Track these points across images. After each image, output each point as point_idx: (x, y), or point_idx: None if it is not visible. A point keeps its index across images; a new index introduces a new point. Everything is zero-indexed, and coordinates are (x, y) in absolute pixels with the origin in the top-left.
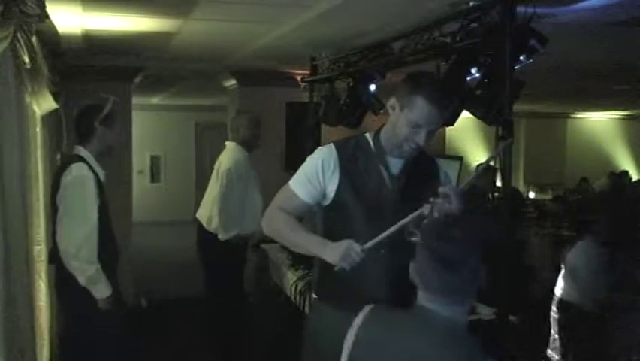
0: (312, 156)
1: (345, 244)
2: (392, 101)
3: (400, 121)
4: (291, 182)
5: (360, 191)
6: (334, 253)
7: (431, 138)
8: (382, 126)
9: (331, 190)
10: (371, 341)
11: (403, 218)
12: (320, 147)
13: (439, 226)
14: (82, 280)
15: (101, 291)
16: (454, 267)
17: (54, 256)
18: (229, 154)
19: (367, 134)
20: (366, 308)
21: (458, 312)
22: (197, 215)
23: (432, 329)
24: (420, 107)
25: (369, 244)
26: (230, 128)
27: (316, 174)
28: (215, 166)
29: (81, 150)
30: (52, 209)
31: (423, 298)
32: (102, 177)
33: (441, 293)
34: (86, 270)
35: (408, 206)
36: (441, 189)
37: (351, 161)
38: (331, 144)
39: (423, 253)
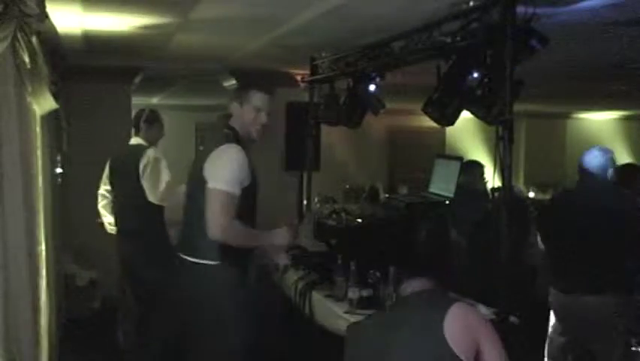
0: (229, 157)
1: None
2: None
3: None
4: (222, 186)
5: (255, 182)
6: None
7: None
8: (226, 122)
9: (245, 183)
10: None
11: None
12: (229, 148)
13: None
14: None
15: None
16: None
17: None
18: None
19: (226, 130)
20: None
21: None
22: None
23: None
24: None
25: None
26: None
27: (241, 172)
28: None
29: None
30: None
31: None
32: None
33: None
34: None
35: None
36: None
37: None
38: (237, 145)
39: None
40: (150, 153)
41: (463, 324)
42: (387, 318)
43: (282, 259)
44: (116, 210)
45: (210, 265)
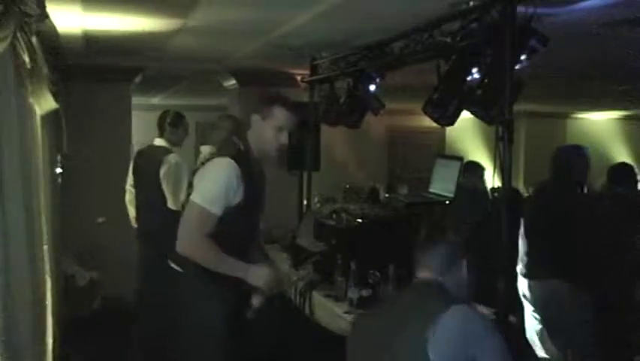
0: (217, 173)
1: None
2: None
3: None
4: (202, 201)
5: (253, 199)
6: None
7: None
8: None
9: (235, 201)
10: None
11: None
12: (221, 162)
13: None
14: None
15: None
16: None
17: None
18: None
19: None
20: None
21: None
22: None
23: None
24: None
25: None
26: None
27: (228, 190)
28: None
29: None
30: None
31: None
32: None
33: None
34: None
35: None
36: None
37: (248, 174)
38: (230, 161)
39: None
40: (172, 159)
41: (454, 337)
42: (386, 316)
43: (256, 299)
44: (137, 207)
45: (181, 272)
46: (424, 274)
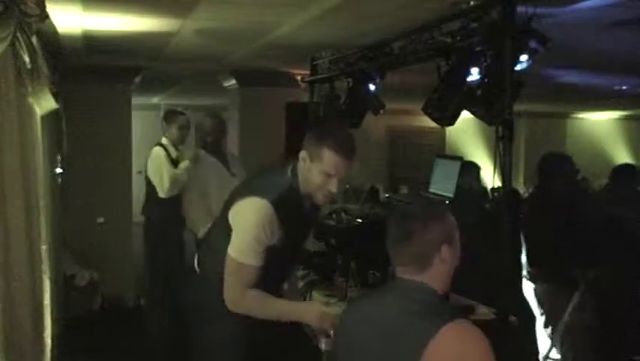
0: (253, 222)
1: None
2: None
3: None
4: (237, 255)
5: (294, 239)
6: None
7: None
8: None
9: (271, 243)
10: (348, 323)
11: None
12: (255, 206)
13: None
14: None
15: None
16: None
17: None
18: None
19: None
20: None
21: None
22: None
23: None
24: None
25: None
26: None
27: (260, 240)
28: None
29: None
30: None
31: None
32: None
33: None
34: None
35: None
36: None
37: (287, 217)
38: (267, 204)
39: (393, 239)
40: (153, 151)
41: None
42: (372, 312)
43: (325, 344)
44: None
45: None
46: (406, 274)
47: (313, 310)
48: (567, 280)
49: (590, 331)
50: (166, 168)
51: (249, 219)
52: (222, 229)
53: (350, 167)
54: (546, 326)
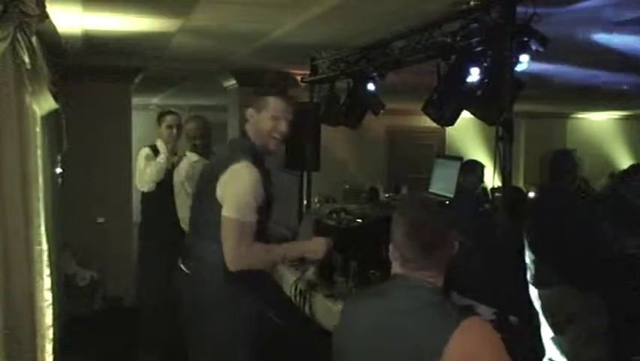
0: (244, 181)
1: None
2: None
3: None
4: (236, 215)
5: (269, 199)
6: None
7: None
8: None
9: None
10: (349, 316)
11: None
12: (244, 170)
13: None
14: None
15: None
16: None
17: None
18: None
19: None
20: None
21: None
22: None
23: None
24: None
25: None
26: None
27: (258, 196)
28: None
29: None
30: None
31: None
32: None
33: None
34: None
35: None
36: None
37: (263, 174)
38: (251, 165)
39: (402, 231)
40: (140, 152)
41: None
42: (381, 312)
43: (310, 272)
44: None
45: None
46: (409, 270)
47: (316, 240)
48: (585, 282)
49: (607, 336)
50: (142, 164)
51: (245, 179)
52: (212, 210)
53: (292, 109)
54: (556, 331)
